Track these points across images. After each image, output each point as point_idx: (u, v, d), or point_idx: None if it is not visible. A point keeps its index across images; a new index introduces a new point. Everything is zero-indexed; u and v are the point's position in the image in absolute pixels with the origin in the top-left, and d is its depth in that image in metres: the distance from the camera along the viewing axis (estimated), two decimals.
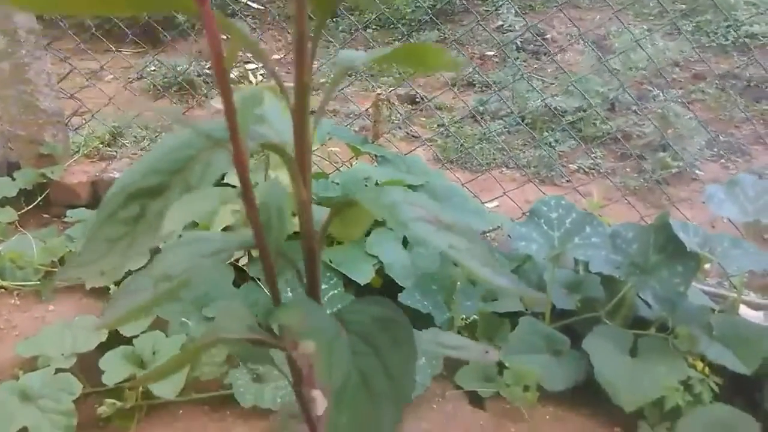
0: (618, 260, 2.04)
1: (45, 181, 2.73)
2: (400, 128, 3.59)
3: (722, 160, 3.58)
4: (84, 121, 3.16)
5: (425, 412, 1.75)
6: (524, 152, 3.58)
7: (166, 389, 1.65)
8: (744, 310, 2.24)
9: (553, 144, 3.64)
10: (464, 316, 2.05)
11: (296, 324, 0.47)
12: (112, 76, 4.30)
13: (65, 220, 2.58)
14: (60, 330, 1.81)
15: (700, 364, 1.84)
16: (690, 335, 1.91)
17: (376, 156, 2.51)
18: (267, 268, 0.52)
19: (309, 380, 0.46)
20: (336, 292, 1.95)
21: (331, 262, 1.99)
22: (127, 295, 0.49)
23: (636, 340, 1.95)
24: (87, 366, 1.77)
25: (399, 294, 2.01)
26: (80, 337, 1.79)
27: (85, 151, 2.93)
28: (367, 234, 2.16)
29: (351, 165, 2.57)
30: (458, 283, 2.04)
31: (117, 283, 2.07)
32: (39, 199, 2.72)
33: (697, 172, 3.37)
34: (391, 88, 3.10)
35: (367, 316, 0.51)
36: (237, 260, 2.03)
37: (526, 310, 2.10)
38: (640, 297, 2.18)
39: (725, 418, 1.75)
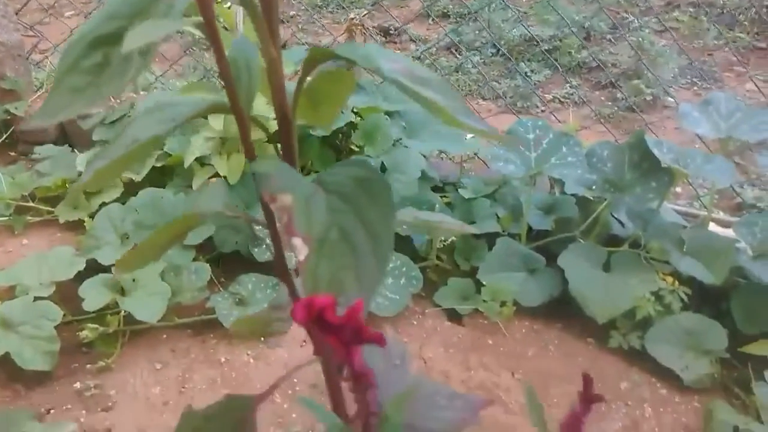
0: (593, 179, 2.07)
1: (9, 117, 2.65)
2: None
3: (695, 88, 3.60)
4: (45, 57, 3.04)
5: (405, 328, 1.79)
6: (500, 83, 3.55)
7: (147, 313, 1.65)
8: (713, 227, 2.30)
9: (528, 74, 3.62)
10: (443, 238, 2.07)
11: (272, 173, 0.47)
12: (72, 12, 4.13)
13: (33, 157, 2.51)
14: (36, 260, 1.79)
15: (670, 279, 1.90)
16: (662, 248, 1.96)
17: None
18: (241, 127, 0.51)
19: (289, 229, 0.46)
20: None
21: None
22: (99, 161, 0.48)
23: (609, 256, 1.99)
24: (66, 296, 1.76)
25: None
26: (57, 266, 1.78)
27: (49, 86, 2.83)
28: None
29: None
30: (437, 206, 2.06)
31: (91, 216, 2.04)
32: (4, 136, 2.64)
33: (669, 99, 3.39)
34: (365, 13, 3.02)
35: (345, 177, 0.51)
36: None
37: (503, 231, 2.12)
38: (613, 216, 2.22)
39: (694, 325, 1.82)
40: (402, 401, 0.67)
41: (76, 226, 2.10)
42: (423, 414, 0.75)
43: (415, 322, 1.83)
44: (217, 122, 1.95)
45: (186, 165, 1.95)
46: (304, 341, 1.71)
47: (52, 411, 1.42)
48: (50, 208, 2.20)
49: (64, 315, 1.66)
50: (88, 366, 1.60)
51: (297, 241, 0.46)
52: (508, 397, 1.54)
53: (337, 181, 0.51)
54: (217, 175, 2.02)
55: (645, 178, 1.96)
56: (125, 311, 1.66)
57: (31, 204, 2.22)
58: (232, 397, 0.64)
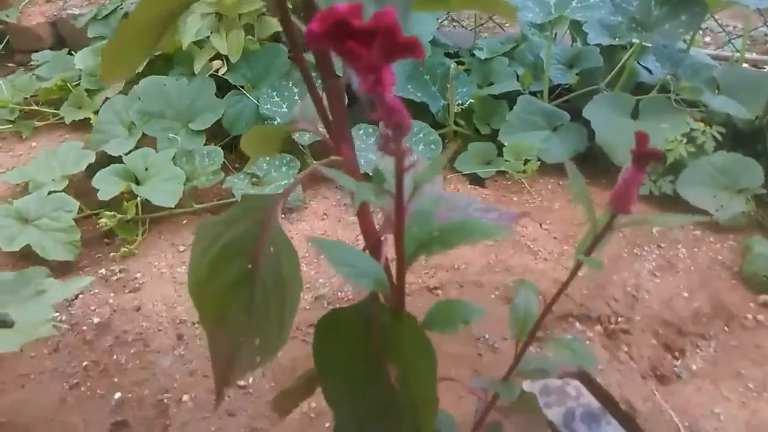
0: (617, 21, 1.92)
1: (1, 26, 2.55)
2: None
3: None
4: None
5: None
6: None
7: (164, 197, 1.63)
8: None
9: None
10: (459, 102, 1.98)
11: None
12: None
13: (31, 65, 2.43)
14: (46, 157, 1.76)
15: (702, 124, 1.79)
16: (693, 88, 1.84)
17: None
18: None
19: None
20: None
21: None
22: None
23: (637, 103, 1.88)
24: (81, 191, 1.74)
25: None
26: (67, 161, 1.75)
27: None
28: None
29: None
30: (451, 68, 1.94)
31: (96, 113, 1.98)
32: (0, 46, 2.56)
33: None
34: None
35: None
36: (216, 71, 1.92)
37: (524, 90, 2.01)
38: (640, 65, 2.09)
39: (728, 164, 1.73)
40: (435, 202, 0.61)
41: (83, 126, 2.05)
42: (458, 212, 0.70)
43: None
44: None
45: (185, 46, 1.85)
46: (325, 214, 1.68)
47: (80, 296, 1.42)
48: (55, 111, 2.15)
49: (80, 209, 1.64)
50: (112, 254, 1.59)
51: None
52: (536, 245, 1.50)
53: None
54: (218, 56, 1.93)
55: (674, 11, 1.81)
56: (142, 198, 1.63)
57: (35, 107, 2.16)
58: (251, 198, 0.60)
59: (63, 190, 1.66)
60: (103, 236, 1.68)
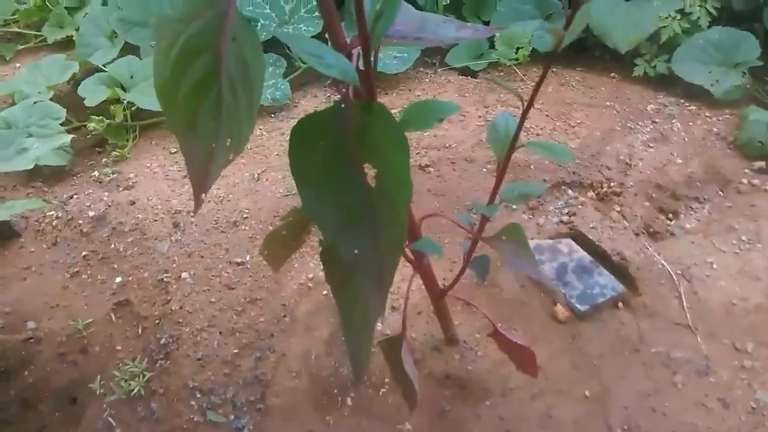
0: None
1: None
2: None
3: None
4: None
5: (416, 84, 1.71)
6: None
7: (152, 102, 1.61)
8: None
9: None
10: None
11: None
12: None
13: None
14: (29, 70, 1.74)
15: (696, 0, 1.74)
16: None
17: None
18: None
19: None
20: None
21: None
22: None
23: None
24: (68, 103, 1.72)
25: None
26: (52, 72, 1.73)
27: None
28: None
29: None
30: None
31: (78, 29, 1.94)
32: None
33: None
34: None
35: None
36: None
37: None
38: None
39: (724, 39, 1.69)
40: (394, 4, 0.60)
41: (67, 44, 2.02)
42: (432, 30, 0.69)
43: (426, 80, 1.75)
44: None
45: None
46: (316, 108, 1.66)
47: (75, 196, 1.43)
48: (37, 32, 2.11)
49: (69, 121, 1.63)
50: (104, 160, 1.59)
51: None
52: (529, 123, 1.48)
53: None
54: None
55: None
56: (129, 102, 1.62)
57: (17, 30, 2.13)
58: None
59: (50, 101, 1.65)
60: (94, 145, 1.67)
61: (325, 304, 1.15)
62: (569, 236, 1.21)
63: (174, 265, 1.22)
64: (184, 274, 1.20)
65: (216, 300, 1.15)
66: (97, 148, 1.67)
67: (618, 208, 1.26)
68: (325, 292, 1.17)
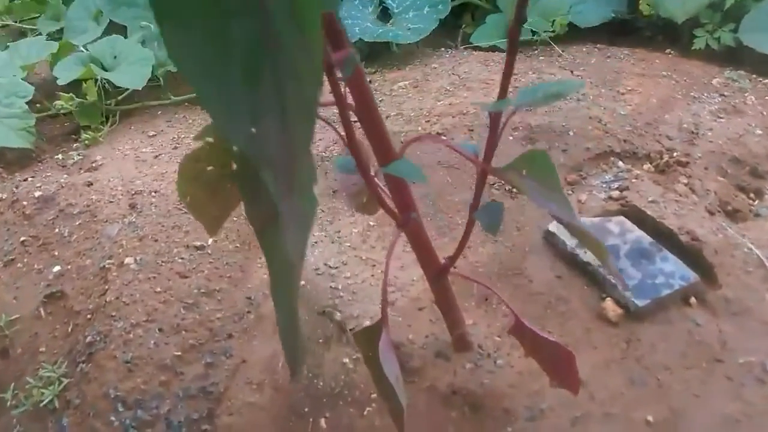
0: None
1: None
2: None
3: None
4: None
5: (434, 59, 1.47)
6: None
7: (129, 79, 1.42)
8: None
9: None
10: None
11: None
12: None
13: None
14: (8, 52, 1.58)
15: None
16: None
17: None
18: None
19: None
20: None
21: None
22: None
23: None
24: (44, 87, 1.56)
25: None
26: (30, 53, 1.56)
27: None
28: None
29: None
30: None
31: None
32: None
33: None
34: None
35: None
36: None
37: None
38: None
39: None
40: None
41: (61, 37, 1.87)
42: None
43: (447, 55, 1.51)
44: None
45: None
46: None
47: (30, 179, 1.23)
48: (32, 27, 1.97)
49: (44, 106, 1.45)
50: (75, 145, 1.40)
51: None
52: None
53: None
54: None
55: None
56: (104, 80, 1.43)
57: (11, 23, 2.00)
58: None
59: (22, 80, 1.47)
60: (70, 132, 1.48)
61: (300, 298, 0.89)
62: (621, 214, 0.93)
63: (120, 250, 0.99)
64: (128, 260, 0.96)
65: (162, 290, 0.90)
66: (73, 135, 1.48)
67: (685, 180, 0.98)
68: (303, 283, 0.91)
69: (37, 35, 1.96)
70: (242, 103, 0.35)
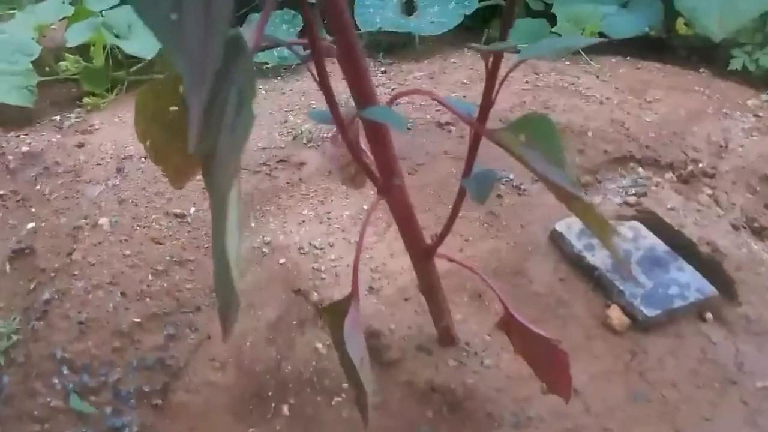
0: None
1: None
2: None
3: None
4: None
5: (454, 55, 1.41)
6: None
7: (140, 47, 1.38)
8: None
9: None
10: None
11: None
12: None
13: None
14: (25, 13, 1.55)
15: None
16: None
17: None
18: None
19: None
20: None
21: None
22: None
23: None
24: (56, 51, 1.52)
25: None
26: (45, 15, 1.53)
27: None
28: None
29: None
30: None
31: None
32: None
33: None
34: None
35: None
36: None
37: None
38: None
39: None
40: None
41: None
42: None
43: (468, 53, 1.44)
44: None
45: None
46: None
47: (22, 136, 1.18)
48: None
49: (51, 69, 1.42)
50: (77, 110, 1.35)
51: None
52: (591, 92, 1.15)
53: None
54: None
55: None
56: (114, 45, 1.39)
57: None
58: None
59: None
60: (75, 98, 1.44)
61: (279, 276, 0.83)
62: (637, 220, 0.85)
63: (97, 211, 0.93)
64: (102, 220, 0.90)
65: (132, 254, 0.84)
66: (77, 101, 1.44)
67: (709, 192, 0.90)
68: (282, 260, 0.84)
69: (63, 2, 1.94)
70: None
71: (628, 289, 0.74)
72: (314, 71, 0.47)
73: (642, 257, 0.78)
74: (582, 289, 0.78)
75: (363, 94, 0.52)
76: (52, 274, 0.84)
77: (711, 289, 0.74)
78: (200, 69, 0.31)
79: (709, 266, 0.77)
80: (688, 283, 0.74)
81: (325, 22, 0.51)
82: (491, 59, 0.50)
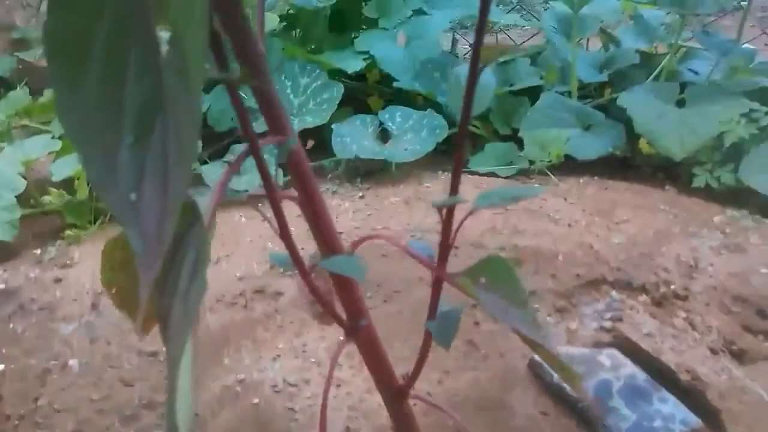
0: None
1: (21, 66, 2.55)
2: None
3: None
4: None
5: (428, 179, 1.46)
6: None
7: None
8: None
9: None
10: None
11: None
12: None
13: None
14: (14, 147, 1.61)
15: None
16: (751, 69, 1.56)
17: None
18: None
19: None
20: (319, 83, 1.68)
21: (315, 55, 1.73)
22: None
23: (683, 91, 1.61)
24: (42, 185, 1.56)
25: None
26: (33, 149, 1.58)
27: None
28: (356, 37, 1.90)
29: None
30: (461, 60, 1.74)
31: None
32: (18, 87, 2.54)
33: None
34: None
35: None
36: None
37: (548, 88, 1.77)
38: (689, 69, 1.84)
39: None
40: None
41: None
42: None
43: (443, 177, 1.50)
44: None
45: None
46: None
47: (1, 272, 1.18)
48: (48, 128, 2.03)
49: (35, 202, 1.45)
50: (58, 242, 1.36)
51: None
52: (559, 214, 1.18)
53: None
54: None
55: None
56: None
57: (29, 124, 2.06)
58: None
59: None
60: (58, 230, 1.45)
61: (252, 419, 0.80)
62: (615, 345, 0.85)
63: (69, 351, 0.91)
64: (72, 362, 0.88)
65: (100, 398, 0.81)
66: (60, 233, 1.45)
67: (683, 314, 0.90)
68: (256, 400, 0.82)
69: (52, 137, 2.01)
70: (128, 167, 0.31)
71: (613, 424, 0.72)
72: (275, 224, 0.48)
73: (623, 387, 0.77)
74: (566, 424, 0.76)
75: (325, 239, 0.54)
76: (16, 422, 0.81)
77: (696, 421, 0.72)
78: (154, 251, 0.32)
79: (691, 395, 0.76)
80: (672, 414, 0.73)
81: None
82: (444, 211, 0.51)
